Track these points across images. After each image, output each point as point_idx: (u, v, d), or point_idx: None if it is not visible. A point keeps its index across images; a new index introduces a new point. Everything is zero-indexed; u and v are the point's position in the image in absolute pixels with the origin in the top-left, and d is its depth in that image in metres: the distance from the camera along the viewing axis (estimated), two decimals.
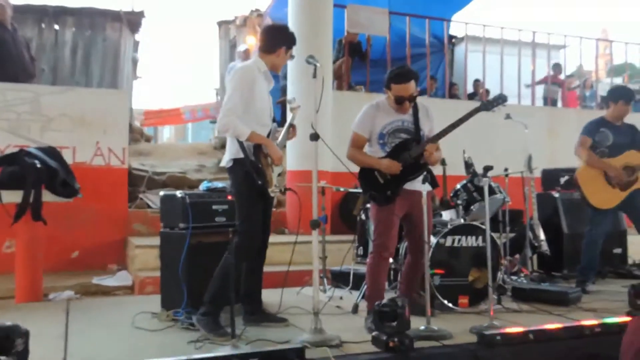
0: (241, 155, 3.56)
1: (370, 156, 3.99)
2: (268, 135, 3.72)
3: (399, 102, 3.87)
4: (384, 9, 8.13)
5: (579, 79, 13.27)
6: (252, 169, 3.55)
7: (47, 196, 4.81)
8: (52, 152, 4.95)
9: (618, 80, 16.76)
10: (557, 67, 11.12)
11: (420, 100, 4.09)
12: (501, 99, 3.92)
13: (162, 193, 4.50)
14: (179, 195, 4.26)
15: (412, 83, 3.87)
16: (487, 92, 10.18)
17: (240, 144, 3.56)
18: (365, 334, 3.49)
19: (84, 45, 10.75)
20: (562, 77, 11.16)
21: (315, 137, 3.45)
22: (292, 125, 3.85)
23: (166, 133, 28.49)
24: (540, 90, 10.89)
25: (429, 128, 4.02)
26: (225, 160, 3.79)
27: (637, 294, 3.56)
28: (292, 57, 3.87)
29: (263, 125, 3.70)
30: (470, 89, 10.67)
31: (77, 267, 6.02)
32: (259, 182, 3.54)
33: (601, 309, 4.23)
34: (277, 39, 3.79)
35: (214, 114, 18.51)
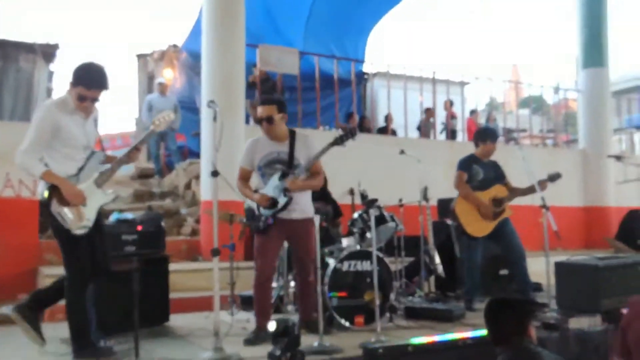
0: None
1: (247, 190, 4.41)
2: (82, 168, 3.72)
3: (258, 122, 4.36)
4: (293, 49, 8.61)
5: (491, 111, 14.28)
6: (46, 211, 3.64)
7: None
8: None
9: (525, 112, 18.05)
10: (449, 104, 11.80)
11: (300, 130, 4.59)
12: (351, 134, 4.24)
13: None
14: None
15: (268, 107, 4.27)
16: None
17: (45, 184, 3.61)
18: (263, 351, 3.77)
19: None
20: (454, 110, 11.85)
21: (215, 174, 3.85)
22: (136, 147, 3.88)
23: None
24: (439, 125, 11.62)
25: (306, 157, 4.31)
26: (40, 198, 3.73)
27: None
28: (80, 97, 3.69)
29: (73, 160, 3.71)
30: (381, 122, 11.26)
31: None
32: (55, 223, 3.62)
33: (480, 324, 4.67)
34: (72, 76, 3.76)
35: (133, 141, 18.48)
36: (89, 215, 3.71)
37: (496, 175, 5.73)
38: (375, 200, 4.63)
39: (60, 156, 3.66)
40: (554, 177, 5.53)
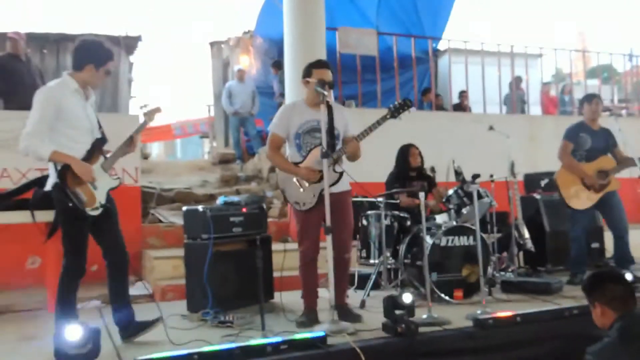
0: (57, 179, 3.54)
1: (289, 163, 4.21)
2: (91, 153, 3.68)
3: (322, 85, 3.97)
4: (372, 30, 8.69)
5: (558, 82, 13.86)
6: (60, 193, 3.54)
7: None
8: None
9: (594, 82, 17.50)
10: (518, 80, 11.47)
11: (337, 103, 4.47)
12: (406, 106, 4.02)
13: (185, 208, 4.96)
14: (201, 209, 4.75)
15: (330, 72, 4.19)
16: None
17: (55, 167, 3.55)
18: (377, 323, 3.92)
19: None
20: (523, 86, 11.56)
21: (325, 154, 3.84)
22: (132, 137, 3.85)
23: (155, 149, 28.86)
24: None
25: (343, 126, 4.19)
26: (48, 185, 3.70)
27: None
28: (108, 72, 3.76)
29: (81, 143, 3.65)
30: (455, 99, 11.20)
31: (97, 279, 6.40)
32: (70, 205, 3.51)
33: (580, 296, 4.71)
34: (83, 56, 3.70)
35: (204, 129, 19.05)
36: (100, 198, 3.68)
37: (606, 144, 5.57)
38: (477, 176, 4.71)
39: (66, 139, 3.59)
40: None
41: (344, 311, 4.13)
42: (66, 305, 3.73)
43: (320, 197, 4.02)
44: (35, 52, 10.85)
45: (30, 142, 3.49)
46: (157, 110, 3.98)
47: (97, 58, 3.70)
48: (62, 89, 3.64)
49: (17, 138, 6.25)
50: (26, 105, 6.78)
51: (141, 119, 3.96)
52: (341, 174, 4.08)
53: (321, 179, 3.96)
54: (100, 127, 3.84)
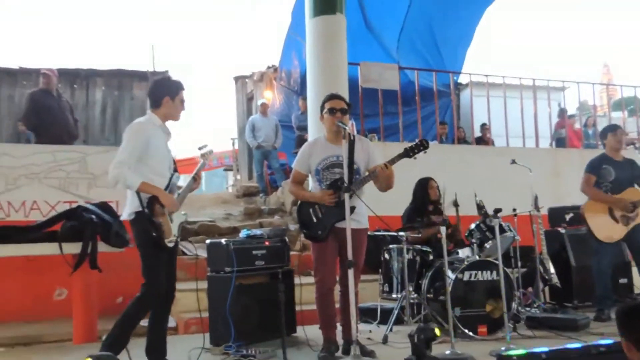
0: (140, 208, 3.66)
1: (305, 190, 4.37)
2: (168, 185, 3.80)
3: (332, 112, 4.12)
4: (393, 65, 8.80)
5: (582, 114, 13.77)
6: (146, 221, 3.64)
7: (101, 247, 5.34)
8: (106, 207, 5.51)
9: (618, 115, 17.34)
10: (563, 112, 11.52)
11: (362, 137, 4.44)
12: (422, 146, 4.02)
13: (208, 241, 5.03)
14: (224, 242, 4.81)
15: (342, 101, 4.21)
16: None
17: (138, 196, 3.65)
18: (399, 358, 3.91)
19: (113, 104, 11.54)
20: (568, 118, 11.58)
21: (347, 189, 3.86)
22: (195, 176, 4.04)
23: (180, 182, 29.17)
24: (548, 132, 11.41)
25: (365, 161, 4.19)
26: (127, 213, 3.80)
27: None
28: (182, 102, 3.92)
29: (161, 176, 3.79)
30: (477, 132, 11.20)
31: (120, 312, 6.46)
32: (153, 234, 3.62)
33: (608, 333, 4.65)
34: (158, 92, 3.89)
35: (228, 162, 19.25)
36: (174, 231, 3.81)
37: (631, 175, 5.50)
38: (499, 210, 4.69)
39: (150, 172, 3.72)
40: None
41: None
42: (124, 334, 3.77)
43: (332, 229, 4.10)
44: (66, 87, 11.17)
45: (121, 171, 3.63)
46: (211, 152, 4.23)
47: (169, 89, 3.90)
48: (150, 123, 3.85)
49: (47, 171, 6.64)
50: (57, 140, 7.07)
51: (199, 159, 4.18)
52: (353, 208, 3.98)
53: (335, 212, 4.05)
54: (174, 163, 4.01)
